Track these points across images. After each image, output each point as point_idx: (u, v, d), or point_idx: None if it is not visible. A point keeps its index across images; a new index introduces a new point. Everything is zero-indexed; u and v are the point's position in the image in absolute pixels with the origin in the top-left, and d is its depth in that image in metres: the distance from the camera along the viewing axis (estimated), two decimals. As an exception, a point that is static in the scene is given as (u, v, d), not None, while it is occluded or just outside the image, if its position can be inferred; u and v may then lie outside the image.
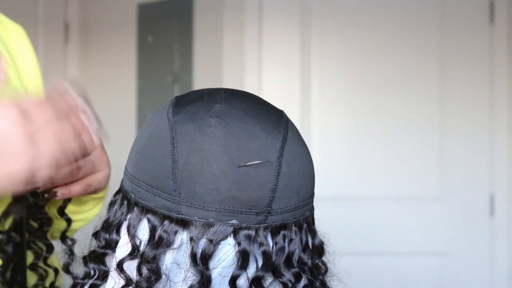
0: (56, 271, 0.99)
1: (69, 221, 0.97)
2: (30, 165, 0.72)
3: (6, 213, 0.91)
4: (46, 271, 0.98)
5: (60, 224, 0.99)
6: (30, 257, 0.98)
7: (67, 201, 0.96)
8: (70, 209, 0.98)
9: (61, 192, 0.92)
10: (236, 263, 0.73)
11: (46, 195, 0.92)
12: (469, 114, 2.71)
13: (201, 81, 2.82)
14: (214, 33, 2.81)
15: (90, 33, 3.09)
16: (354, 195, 2.74)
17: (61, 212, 0.97)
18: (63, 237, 0.98)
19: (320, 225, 0.82)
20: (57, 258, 1.03)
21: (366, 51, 2.74)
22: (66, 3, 3.06)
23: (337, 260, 0.83)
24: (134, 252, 0.75)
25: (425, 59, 2.73)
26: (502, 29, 2.70)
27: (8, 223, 0.92)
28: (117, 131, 2.46)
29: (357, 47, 2.74)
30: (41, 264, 0.98)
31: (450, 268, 2.71)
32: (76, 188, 0.92)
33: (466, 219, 2.71)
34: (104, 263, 0.80)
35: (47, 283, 0.98)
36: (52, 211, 0.98)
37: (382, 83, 2.74)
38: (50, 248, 0.98)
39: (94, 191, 0.96)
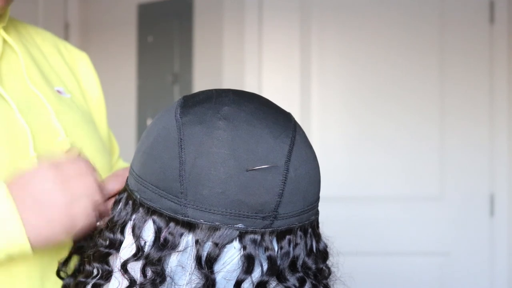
0: None
1: None
2: (67, 212, 0.83)
3: (67, 259, 0.91)
4: None
5: None
6: None
7: None
8: None
9: None
10: (241, 267, 0.73)
11: None
12: (469, 114, 2.71)
13: (201, 81, 2.82)
14: (214, 33, 2.81)
15: (90, 33, 3.09)
16: (354, 195, 2.74)
17: None
18: None
19: (320, 225, 0.82)
20: None
21: (366, 51, 2.74)
22: (66, 3, 3.05)
23: (340, 263, 0.83)
24: (139, 253, 0.75)
25: (425, 59, 2.73)
26: (502, 29, 2.70)
27: (71, 268, 0.92)
28: (117, 131, 2.45)
29: (357, 47, 2.74)
30: None
31: (450, 268, 2.71)
32: None
33: (466, 219, 2.71)
34: (107, 263, 0.80)
35: None
36: None
37: (382, 83, 2.74)
38: None
39: None
